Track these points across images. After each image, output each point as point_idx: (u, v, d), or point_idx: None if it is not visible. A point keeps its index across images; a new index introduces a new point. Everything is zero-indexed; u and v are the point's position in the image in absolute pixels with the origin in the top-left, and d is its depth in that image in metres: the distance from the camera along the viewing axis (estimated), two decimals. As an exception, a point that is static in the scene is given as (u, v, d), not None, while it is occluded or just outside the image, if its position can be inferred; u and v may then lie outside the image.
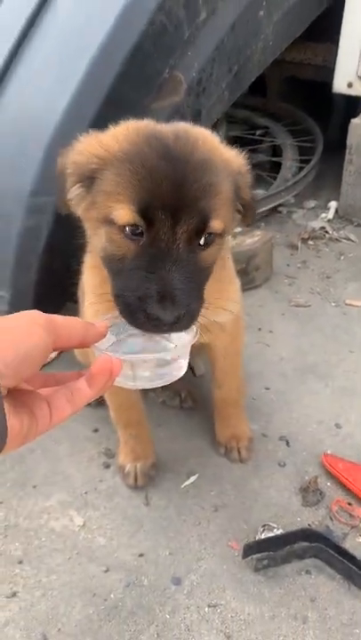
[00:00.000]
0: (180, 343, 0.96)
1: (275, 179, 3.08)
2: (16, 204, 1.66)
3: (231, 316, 1.37)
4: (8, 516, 1.50)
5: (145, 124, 1.04)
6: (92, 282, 1.25)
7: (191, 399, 1.80)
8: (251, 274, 2.33)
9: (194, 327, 0.98)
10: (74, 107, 1.62)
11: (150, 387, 0.93)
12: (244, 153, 1.14)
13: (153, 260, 0.93)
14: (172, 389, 1.83)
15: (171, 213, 0.92)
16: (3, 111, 1.69)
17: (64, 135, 1.15)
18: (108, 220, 0.97)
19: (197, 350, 1.54)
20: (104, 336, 0.80)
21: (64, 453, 1.67)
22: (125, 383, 0.88)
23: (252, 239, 2.33)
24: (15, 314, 0.65)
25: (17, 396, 0.64)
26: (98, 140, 1.02)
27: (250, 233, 2.37)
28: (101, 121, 1.13)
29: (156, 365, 0.90)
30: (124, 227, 0.95)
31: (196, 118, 2.06)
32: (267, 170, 3.28)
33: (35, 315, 0.66)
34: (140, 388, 0.92)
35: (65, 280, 1.57)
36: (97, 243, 1.05)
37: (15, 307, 1.76)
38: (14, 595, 1.32)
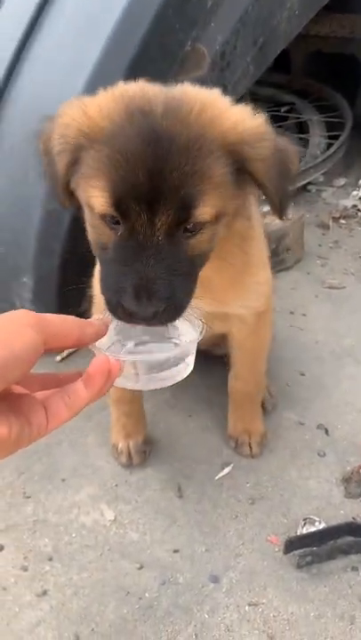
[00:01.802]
0: (186, 341, 0.89)
1: (302, 155, 2.96)
2: (36, 186, 1.59)
3: (251, 310, 1.28)
4: (37, 510, 1.44)
5: (135, 91, 0.91)
6: None
7: None
8: (281, 255, 2.23)
9: (200, 324, 0.90)
10: (93, 82, 1.54)
11: (154, 388, 0.87)
12: (264, 116, 0.97)
13: (130, 253, 0.86)
14: None
15: (147, 204, 0.83)
16: (21, 89, 1.62)
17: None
18: (89, 205, 0.91)
19: (216, 338, 1.46)
20: (103, 335, 0.74)
21: (92, 445, 1.60)
22: (127, 384, 0.82)
23: (282, 219, 2.22)
24: (2, 314, 0.61)
25: (10, 400, 0.61)
26: (84, 110, 0.91)
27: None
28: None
29: (160, 365, 0.83)
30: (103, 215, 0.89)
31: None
32: (293, 147, 3.16)
33: (22, 314, 0.62)
34: (144, 389, 0.85)
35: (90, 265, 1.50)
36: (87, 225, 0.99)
37: (39, 293, 1.70)
38: (45, 593, 1.27)
